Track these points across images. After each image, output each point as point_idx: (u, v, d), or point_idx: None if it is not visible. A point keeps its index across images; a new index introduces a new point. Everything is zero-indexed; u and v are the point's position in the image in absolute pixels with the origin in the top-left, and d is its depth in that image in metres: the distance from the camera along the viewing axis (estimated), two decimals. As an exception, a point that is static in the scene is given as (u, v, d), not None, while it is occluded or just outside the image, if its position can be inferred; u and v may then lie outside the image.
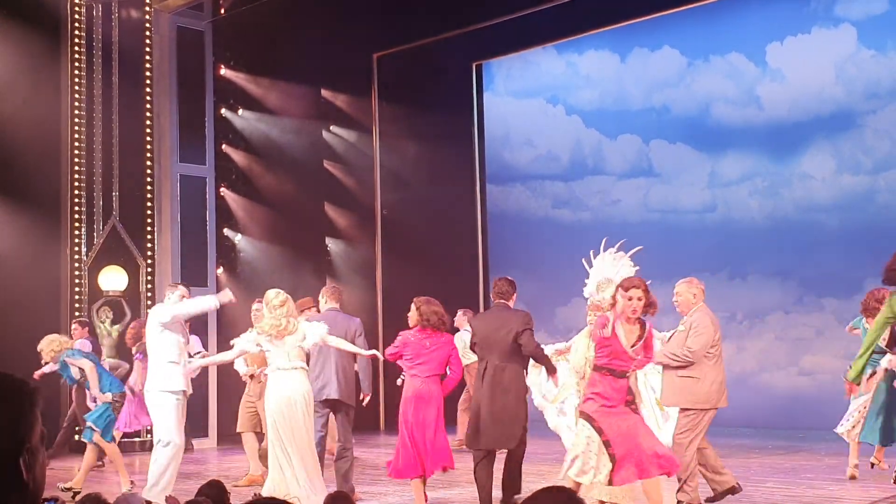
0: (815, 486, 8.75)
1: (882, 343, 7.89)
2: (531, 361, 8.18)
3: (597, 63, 15.86)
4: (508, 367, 7.85)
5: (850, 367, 6.88)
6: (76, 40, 13.52)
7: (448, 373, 8.06)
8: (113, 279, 13.43)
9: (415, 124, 16.25)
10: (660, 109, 15.15)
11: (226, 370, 13.15)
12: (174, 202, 13.97)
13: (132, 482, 9.33)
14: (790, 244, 13.64)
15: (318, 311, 9.25)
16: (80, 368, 9.26)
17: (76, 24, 13.52)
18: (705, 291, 7.89)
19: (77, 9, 13.53)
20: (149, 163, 13.82)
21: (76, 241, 13.38)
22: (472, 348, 8.24)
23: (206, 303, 8.55)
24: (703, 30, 14.76)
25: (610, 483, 6.84)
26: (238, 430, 10.30)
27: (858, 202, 13.22)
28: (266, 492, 7.62)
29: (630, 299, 6.79)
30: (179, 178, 14.08)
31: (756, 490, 8.36)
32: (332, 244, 16.36)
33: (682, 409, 7.61)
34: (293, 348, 7.86)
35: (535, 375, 8.78)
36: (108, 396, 9.38)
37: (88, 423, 9.42)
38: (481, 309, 16.30)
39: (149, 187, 13.79)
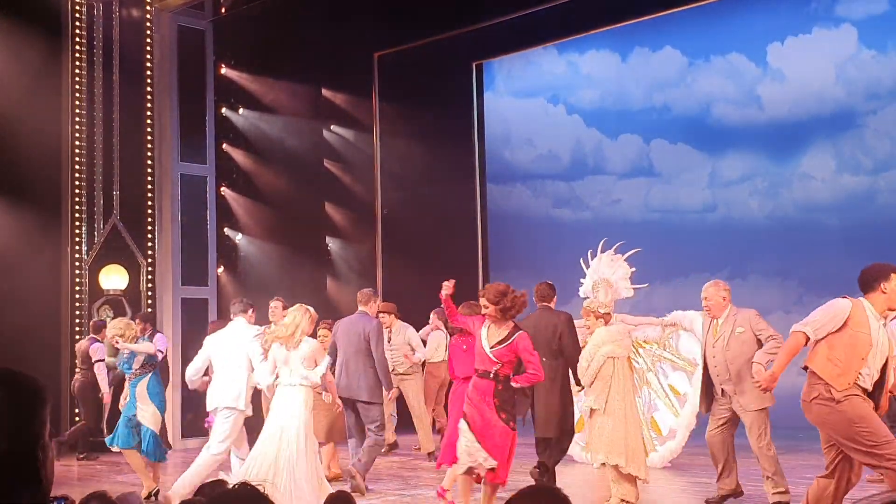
0: (815, 486, 8.72)
1: None
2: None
3: (598, 63, 15.86)
4: (554, 364, 8.31)
5: None
6: (77, 39, 13.52)
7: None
8: (113, 278, 13.44)
9: (415, 123, 16.24)
10: (660, 109, 15.15)
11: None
12: (175, 201, 13.97)
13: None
14: (790, 244, 13.63)
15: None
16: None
17: (77, 24, 13.52)
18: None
19: (78, 8, 13.53)
20: (149, 162, 13.82)
21: (77, 240, 13.39)
22: None
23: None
24: (704, 30, 14.75)
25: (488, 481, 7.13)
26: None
27: (859, 202, 13.22)
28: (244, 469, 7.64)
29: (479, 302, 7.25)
30: (180, 177, 14.08)
31: (756, 490, 8.35)
32: (332, 243, 16.36)
33: (762, 409, 7.72)
34: (298, 364, 7.92)
35: None
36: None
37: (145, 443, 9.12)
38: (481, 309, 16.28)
39: (149, 186, 13.80)
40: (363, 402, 9.05)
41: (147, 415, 9.14)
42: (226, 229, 14.96)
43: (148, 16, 13.96)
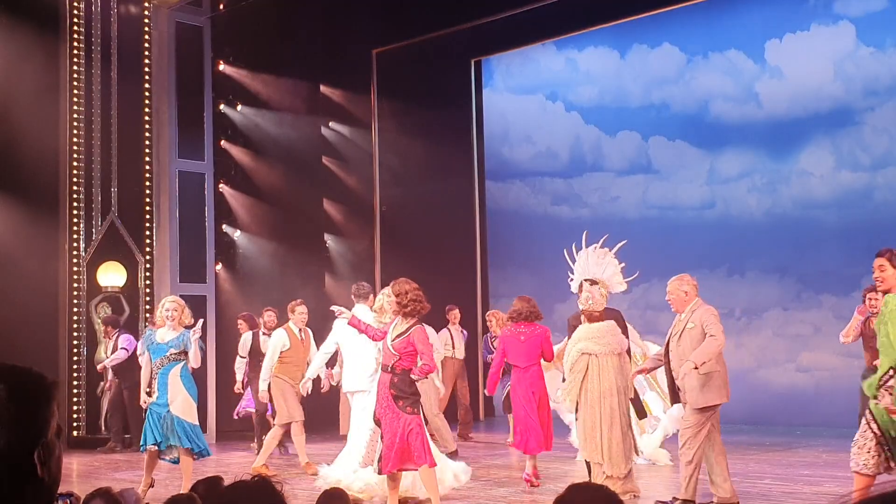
0: (812, 483, 8.76)
1: None
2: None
3: (596, 60, 15.86)
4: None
5: None
6: (75, 36, 13.50)
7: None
8: (111, 275, 13.43)
9: (414, 120, 16.24)
10: (659, 106, 15.15)
11: (225, 366, 13.15)
12: (173, 198, 13.96)
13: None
14: (788, 241, 13.64)
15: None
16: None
17: (75, 20, 13.50)
18: (698, 287, 7.86)
19: (76, 4, 13.52)
20: (147, 159, 13.81)
21: (75, 236, 13.38)
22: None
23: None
24: (703, 27, 14.76)
25: (379, 472, 7.45)
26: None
27: (857, 199, 13.22)
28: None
29: (389, 295, 7.53)
30: (178, 173, 14.07)
31: (753, 487, 8.37)
32: (330, 240, 16.36)
33: (701, 407, 7.52)
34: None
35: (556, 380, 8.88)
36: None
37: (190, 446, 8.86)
38: (479, 306, 16.31)
39: (147, 183, 13.79)
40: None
41: (179, 403, 8.78)
42: (224, 226, 14.96)
43: (146, 12, 13.95)
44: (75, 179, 13.41)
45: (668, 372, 7.81)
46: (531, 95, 16.67)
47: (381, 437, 7.44)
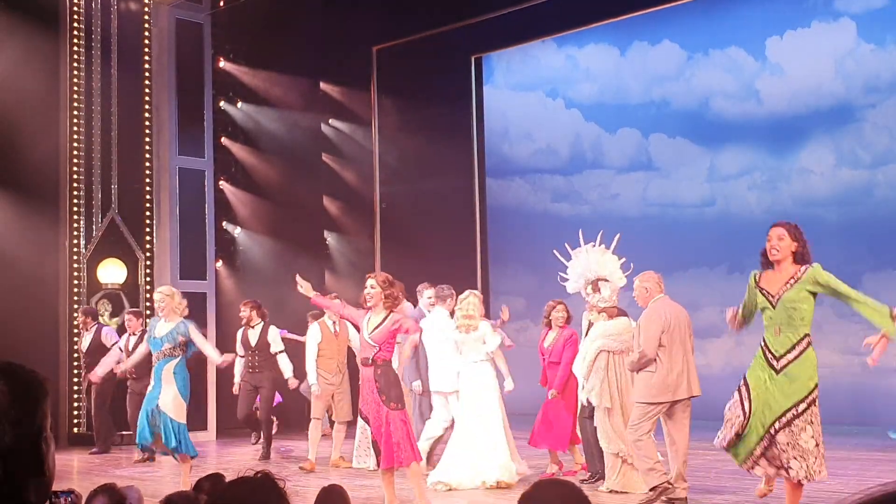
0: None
1: None
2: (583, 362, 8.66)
3: (596, 56, 15.84)
4: None
5: None
6: (75, 32, 13.50)
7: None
8: (112, 272, 13.43)
9: (414, 117, 16.23)
10: (659, 103, 15.13)
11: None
12: (173, 195, 13.96)
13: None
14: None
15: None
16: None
17: (75, 17, 13.50)
18: (662, 284, 8.04)
19: (76, 1, 13.51)
20: (148, 156, 13.81)
21: (75, 233, 13.38)
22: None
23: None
24: (703, 24, 14.74)
25: (378, 467, 7.53)
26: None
27: (857, 196, 13.21)
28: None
29: (364, 288, 7.52)
30: (178, 170, 14.07)
31: (754, 483, 8.35)
32: (330, 237, 16.36)
33: (636, 402, 7.78)
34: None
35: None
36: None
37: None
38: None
39: (148, 180, 13.79)
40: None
41: (168, 399, 8.67)
42: (224, 223, 14.97)
43: (146, 9, 13.94)
44: (75, 176, 13.41)
45: None
46: (531, 92, 16.66)
47: (373, 434, 7.45)
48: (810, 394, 6.05)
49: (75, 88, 13.43)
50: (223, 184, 14.93)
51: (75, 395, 13.07)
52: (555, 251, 9.44)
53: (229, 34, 14.68)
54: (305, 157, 15.91)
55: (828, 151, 13.55)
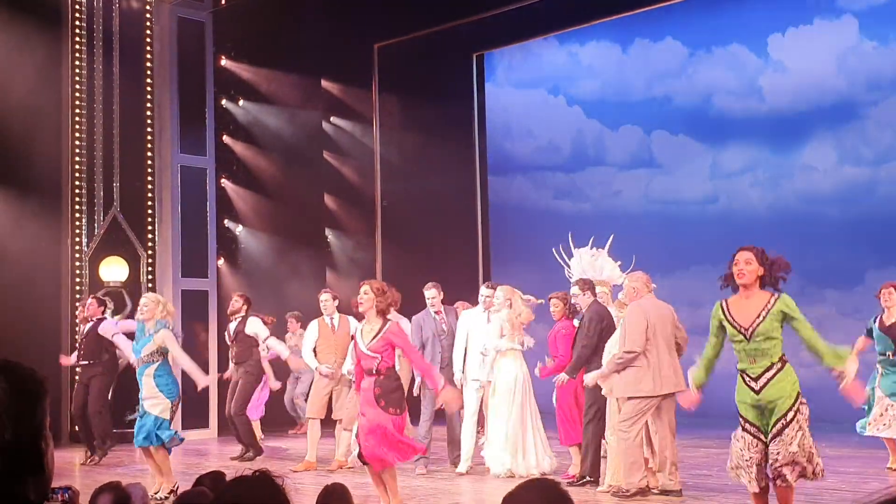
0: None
1: None
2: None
3: (598, 53, 15.84)
4: None
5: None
6: (77, 31, 13.49)
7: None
8: (114, 270, 13.43)
9: (415, 115, 16.22)
10: (661, 100, 15.12)
11: (227, 360, 13.14)
12: (175, 193, 13.96)
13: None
14: (791, 235, 13.60)
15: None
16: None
17: (77, 15, 13.49)
18: (650, 284, 8.18)
19: (77, -1, 13.51)
20: (149, 153, 13.81)
21: (77, 231, 13.38)
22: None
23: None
24: (705, 21, 14.73)
25: (360, 458, 7.51)
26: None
27: (860, 193, 13.20)
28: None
29: (358, 294, 7.41)
30: (180, 168, 14.06)
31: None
32: (331, 235, 16.36)
33: (628, 398, 7.89)
34: None
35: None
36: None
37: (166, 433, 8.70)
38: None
39: (149, 178, 13.79)
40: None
41: (152, 405, 8.64)
42: (226, 221, 14.97)
43: (148, 7, 13.94)
44: (77, 174, 13.41)
45: None
46: (533, 89, 16.65)
47: (362, 429, 7.43)
48: (795, 402, 6.05)
49: (77, 86, 13.42)
50: (225, 181, 14.94)
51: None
52: (554, 251, 9.47)
53: (231, 32, 14.67)
54: (307, 155, 15.91)
55: (830, 148, 13.54)
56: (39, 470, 2.04)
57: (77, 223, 13.39)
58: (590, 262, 9.16)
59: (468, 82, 16.97)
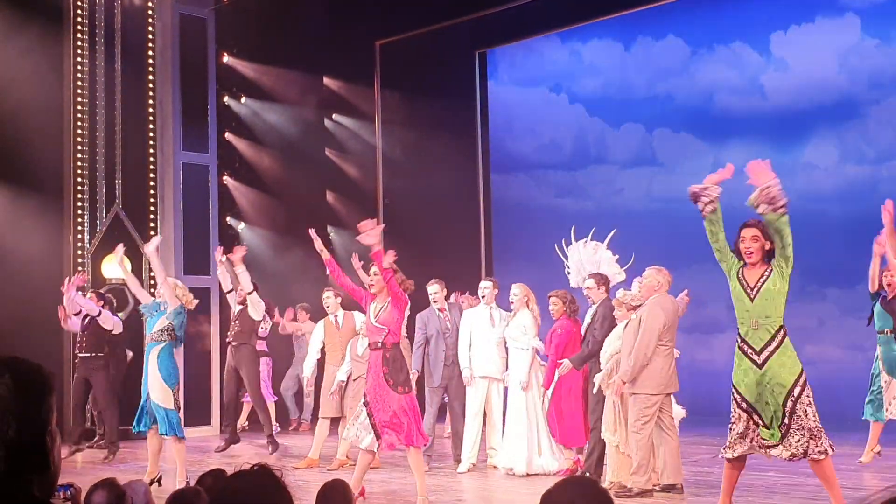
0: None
1: None
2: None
3: (600, 51, 15.82)
4: None
5: None
6: (79, 28, 13.50)
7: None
8: (116, 267, 13.40)
9: (417, 112, 16.21)
10: (663, 98, 15.12)
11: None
12: (177, 190, 13.96)
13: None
14: (793, 233, 13.61)
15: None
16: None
17: (79, 12, 13.50)
18: (671, 282, 8.26)
19: (80, -4, 13.52)
20: (151, 151, 13.81)
21: (79, 228, 13.39)
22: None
23: None
24: (707, 18, 14.72)
25: (367, 448, 7.59)
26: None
27: (861, 192, 13.19)
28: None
29: (368, 275, 8.03)
30: (182, 166, 14.07)
31: (758, 479, 8.37)
32: (333, 232, 16.36)
33: (638, 395, 7.90)
34: None
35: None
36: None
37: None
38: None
39: (151, 175, 13.79)
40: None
41: (154, 387, 8.72)
42: (228, 218, 14.97)
43: (150, 4, 13.94)
44: (79, 172, 13.41)
45: None
46: (535, 87, 16.64)
47: (370, 416, 7.47)
48: (800, 377, 6.07)
49: (79, 84, 13.43)
50: (227, 179, 14.94)
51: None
52: (556, 246, 9.47)
53: (233, 29, 14.67)
54: (309, 152, 15.91)
55: (832, 147, 13.53)
56: (45, 467, 2.04)
57: (79, 220, 13.40)
58: (588, 256, 9.17)
59: (470, 80, 16.95)
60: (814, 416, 6.06)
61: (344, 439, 9.46)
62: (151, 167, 13.79)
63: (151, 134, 13.81)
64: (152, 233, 13.69)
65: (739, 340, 6.22)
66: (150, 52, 13.89)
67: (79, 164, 13.40)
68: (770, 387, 6.07)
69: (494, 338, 9.72)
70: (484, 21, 15.55)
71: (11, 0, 12.86)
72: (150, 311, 9.12)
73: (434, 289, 10.20)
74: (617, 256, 9.26)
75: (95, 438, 12.01)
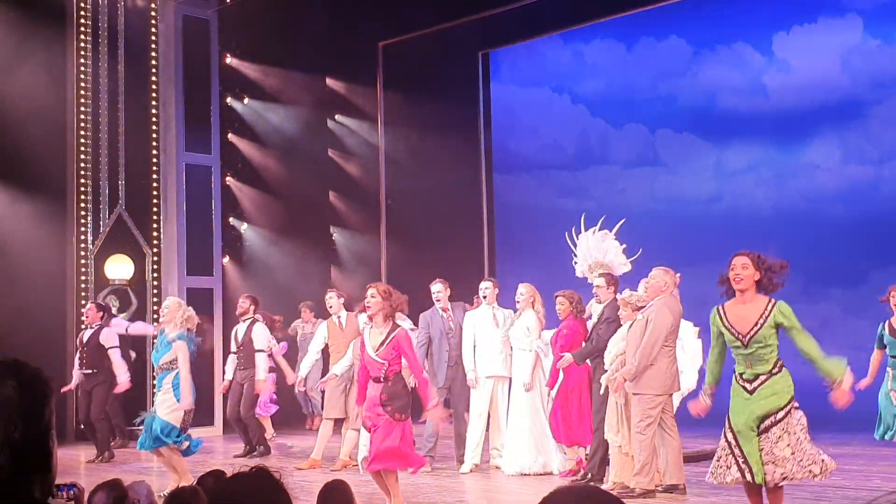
0: (818, 476, 8.72)
1: None
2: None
3: (603, 52, 15.83)
4: None
5: None
6: (82, 29, 13.52)
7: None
8: (119, 268, 13.45)
9: (420, 113, 16.22)
10: (666, 99, 15.12)
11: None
12: (180, 191, 13.98)
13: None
14: (796, 234, 13.61)
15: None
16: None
17: (82, 13, 13.52)
18: (678, 283, 8.25)
19: (83, -3, 13.54)
20: (154, 152, 13.83)
21: (82, 229, 13.42)
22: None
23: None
24: (710, 19, 14.72)
25: (362, 469, 7.60)
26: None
27: (864, 192, 13.20)
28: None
29: (365, 297, 7.34)
30: (185, 167, 14.08)
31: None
32: (336, 233, 16.38)
33: (642, 396, 7.89)
34: None
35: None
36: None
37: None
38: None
39: (154, 176, 13.81)
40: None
41: (164, 406, 8.57)
42: (231, 219, 14.99)
43: (153, 5, 13.96)
44: (83, 172, 13.44)
45: None
46: (538, 88, 16.65)
47: (370, 439, 7.40)
48: (787, 404, 6.04)
49: (82, 85, 13.45)
50: (230, 180, 14.96)
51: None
52: (567, 235, 9.45)
53: (236, 30, 14.69)
54: (312, 153, 15.93)
55: (834, 147, 13.54)
56: (46, 469, 2.06)
57: (82, 221, 13.42)
58: (596, 244, 9.15)
59: (472, 81, 16.96)
60: (788, 447, 5.98)
61: (347, 440, 9.46)
62: (154, 168, 13.81)
63: (154, 135, 13.83)
64: (155, 233, 13.72)
65: (736, 374, 6.25)
66: (154, 54, 13.91)
67: (82, 165, 13.43)
68: (753, 408, 6.05)
69: (499, 337, 9.68)
70: (486, 22, 15.56)
71: (15, 2, 12.89)
72: (157, 346, 8.99)
73: (437, 288, 10.17)
74: (624, 245, 9.25)
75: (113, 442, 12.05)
